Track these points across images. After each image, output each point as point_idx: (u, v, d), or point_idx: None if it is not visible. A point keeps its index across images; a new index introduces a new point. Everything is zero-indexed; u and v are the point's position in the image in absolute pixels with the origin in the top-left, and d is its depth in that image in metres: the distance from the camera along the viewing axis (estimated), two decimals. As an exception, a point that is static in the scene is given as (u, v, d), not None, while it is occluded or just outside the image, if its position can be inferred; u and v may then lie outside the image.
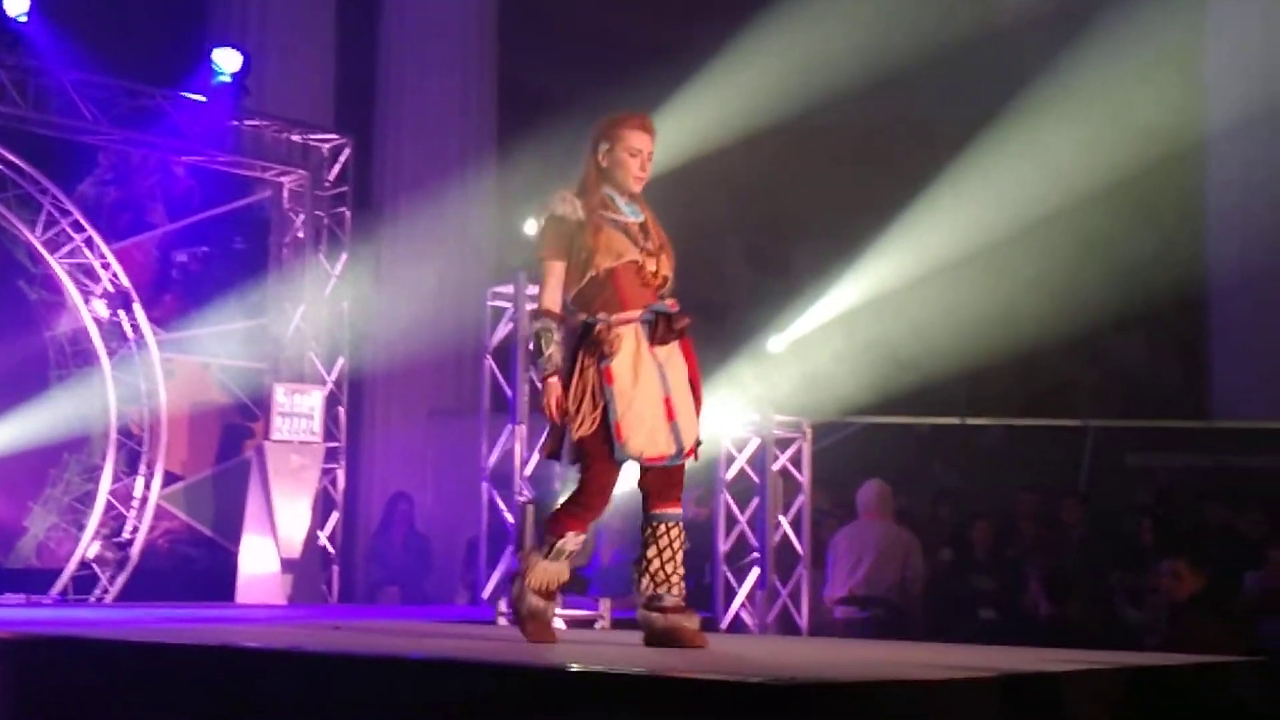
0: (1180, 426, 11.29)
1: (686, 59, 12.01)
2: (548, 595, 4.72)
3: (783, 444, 8.29)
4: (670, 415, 4.47)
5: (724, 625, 8.00)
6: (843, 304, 10.25)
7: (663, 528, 4.58)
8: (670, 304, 4.55)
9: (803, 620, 8.24)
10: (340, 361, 9.93)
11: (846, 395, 9.87)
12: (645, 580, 4.59)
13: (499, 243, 12.05)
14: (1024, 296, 12.15)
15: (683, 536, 4.64)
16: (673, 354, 4.55)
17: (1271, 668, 4.49)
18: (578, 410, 4.40)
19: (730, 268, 13.67)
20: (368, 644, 4.73)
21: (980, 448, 10.96)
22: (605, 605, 7.13)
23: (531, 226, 11.37)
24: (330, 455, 9.58)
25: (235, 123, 9.76)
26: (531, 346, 4.53)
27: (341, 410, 9.90)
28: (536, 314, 4.52)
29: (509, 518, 8.22)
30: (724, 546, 8.23)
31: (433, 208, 11.45)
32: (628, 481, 7.97)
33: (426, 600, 9.72)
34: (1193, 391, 12.44)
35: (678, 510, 4.59)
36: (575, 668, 3.56)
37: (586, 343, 4.44)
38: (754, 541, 8.14)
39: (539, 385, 4.53)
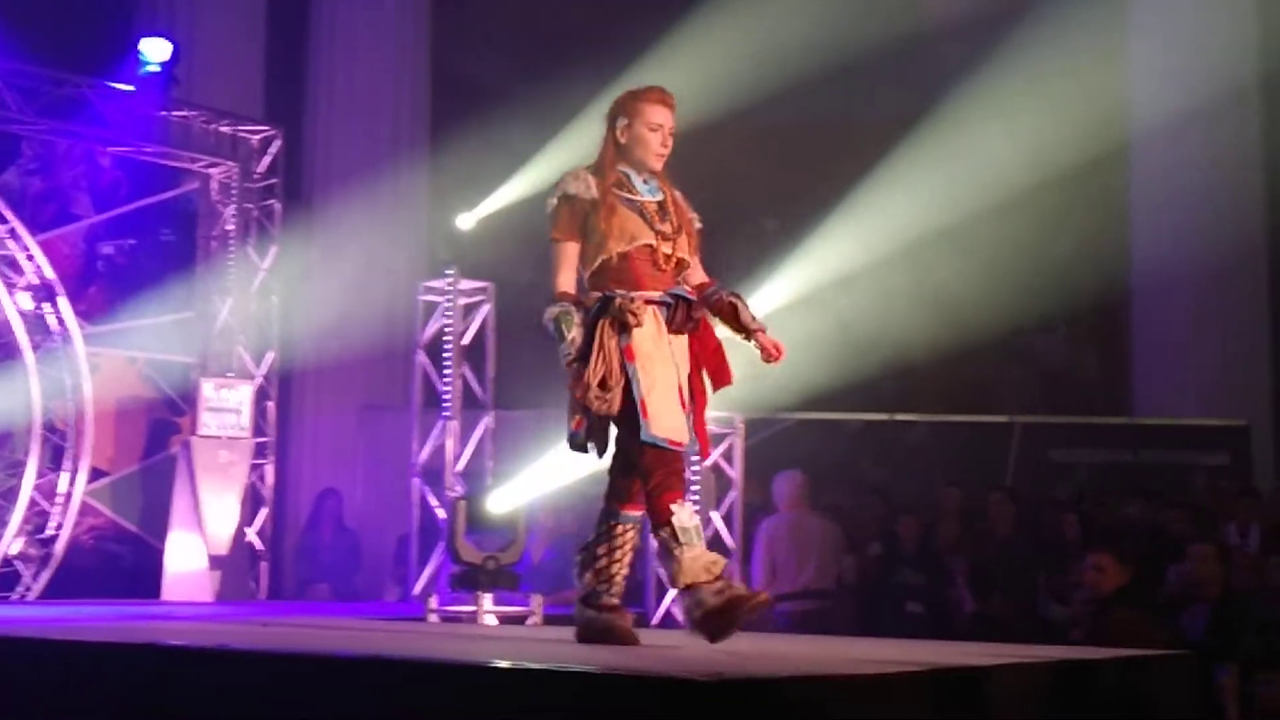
0: (1103, 423, 11.48)
1: (621, 52, 12.01)
2: (717, 578, 4.24)
3: (715, 440, 8.33)
4: (684, 405, 4.30)
5: (655, 621, 8.02)
6: (773, 302, 10.30)
7: (620, 528, 4.45)
8: (689, 290, 4.36)
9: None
10: (269, 355, 9.85)
11: (778, 392, 9.94)
12: (589, 575, 4.48)
13: (431, 237, 12.00)
14: (951, 294, 12.28)
15: (637, 540, 4.51)
16: (682, 346, 4.36)
17: (1192, 661, 4.58)
18: (601, 387, 4.18)
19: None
20: (296, 641, 4.69)
21: (908, 444, 11.07)
22: (537, 601, 7.14)
23: (466, 221, 11.34)
24: (259, 450, 9.50)
25: (163, 113, 9.65)
26: (550, 330, 4.25)
27: (270, 405, 9.81)
28: (552, 298, 4.28)
29: (440, 514, 8.20)
30: (656, 542, 8.24)
31: (364, 201, 11.38)
32: (561, 478, 8.00)
33: (356, 597, 9.67)
34: (1115, 388, 12.64)
35: (639, 513, 4.41)
36: (504, 664, 3.56)
37: (607, 315, 4.22)
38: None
39: (565, 369, 4.25)
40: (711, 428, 8.27)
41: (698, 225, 4.53)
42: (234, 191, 9.90)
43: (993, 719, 3.55)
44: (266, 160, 10.04)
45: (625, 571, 4.46)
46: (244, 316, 9.81)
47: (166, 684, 3.89)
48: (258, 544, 9.49)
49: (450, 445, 8.32)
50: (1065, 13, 11.53)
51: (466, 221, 11.55)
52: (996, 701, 3.57)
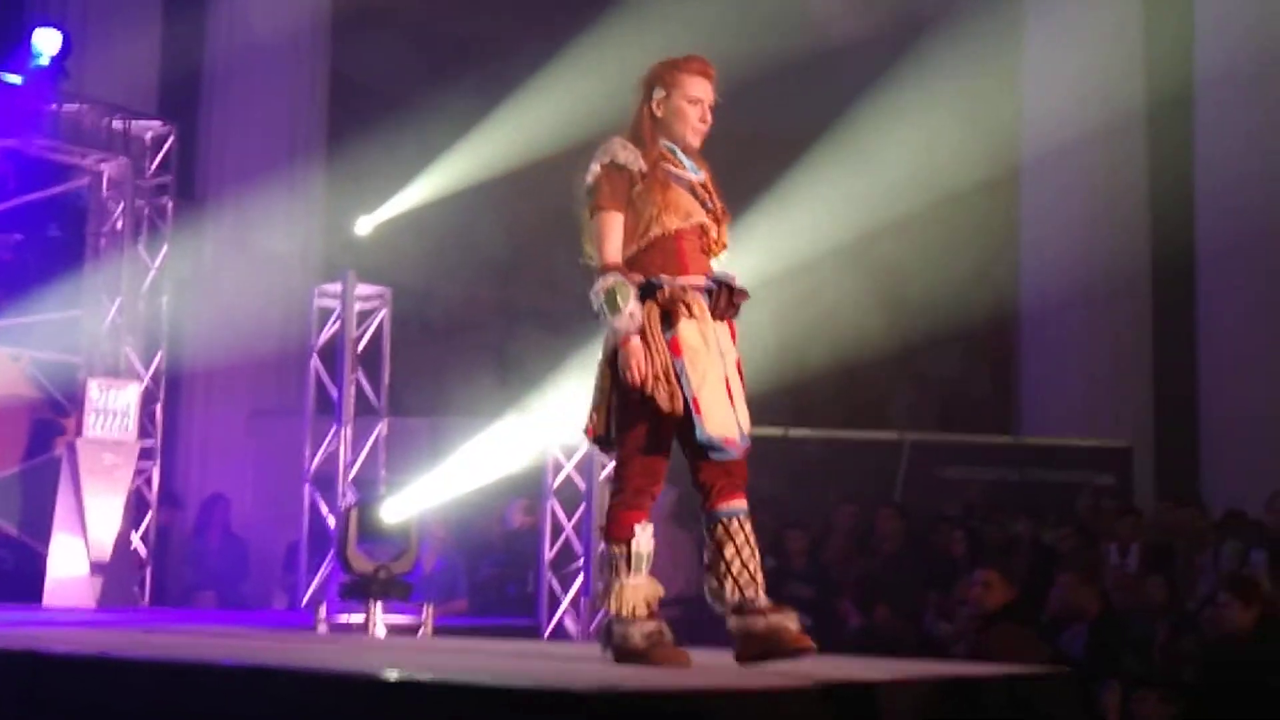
0: (990, 442, 11.68)
1: (521, 62, 12.01)
2: (650, 615, 4.03)
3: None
4: (732, 401, 4.04)
5: (547, 633, 8.01)
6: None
7: (735, 523, 4.02)
8: (731, 276, 4.13)
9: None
10: (158, 357, 9.66)
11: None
12: (729, 585, 3.97)
13: (328, 240, 11.88)
14: (845, 311, 12.44)
15: (754, 530, 4.09)
16: (724, 332, 4.12)
17: (1073, 678, 4.68)
18: (654, 381, 3.88)
19: (564, 276, 13.69)
20: (180, 649, 4.62)
21: (801, 458, 11.18)
22: (428, 612, 7.08)
23: (363, 226, 11.25)
24: (145, 454, 9.31)
25: (53, 106, 9.43)
26: (600, 305, 3.95)
27: (158, 408, 9.62)
28: (601, 268, 3.99)
29: (331, 521, 8.10)
30: (549, 554, 8.24)
31: (259, 202, 11.24)
32: (452, 489, 7.95)
33: (243, 605, 9.52)
34: (1003, 407, 12.88)
35: (744, 503, 4.05)
36: (394, 675, 3.53)
37: (653, 303, 3.96)
38: (579, 549, 8.16)
39: (617, 349, 3.90)
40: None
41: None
42: (125, 188, 9.70)
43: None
44: (159, 157, 9.85)
45: (757, 560, 4.04)
46: (133, 316, 9.62)
47: (47, 691, 3.80)
48: (142, 550, 9.30)
49: (343, 452, 8.23)
50: (962, 36, 11.75)
51: (364, 226, 11.46)
52: (884, 716, 3.61)
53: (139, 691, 3.72)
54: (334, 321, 8.37)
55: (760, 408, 12.28)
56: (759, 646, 3.92)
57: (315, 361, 8.46)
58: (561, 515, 8.27)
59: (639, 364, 3.90)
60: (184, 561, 9.81)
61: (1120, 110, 11.64)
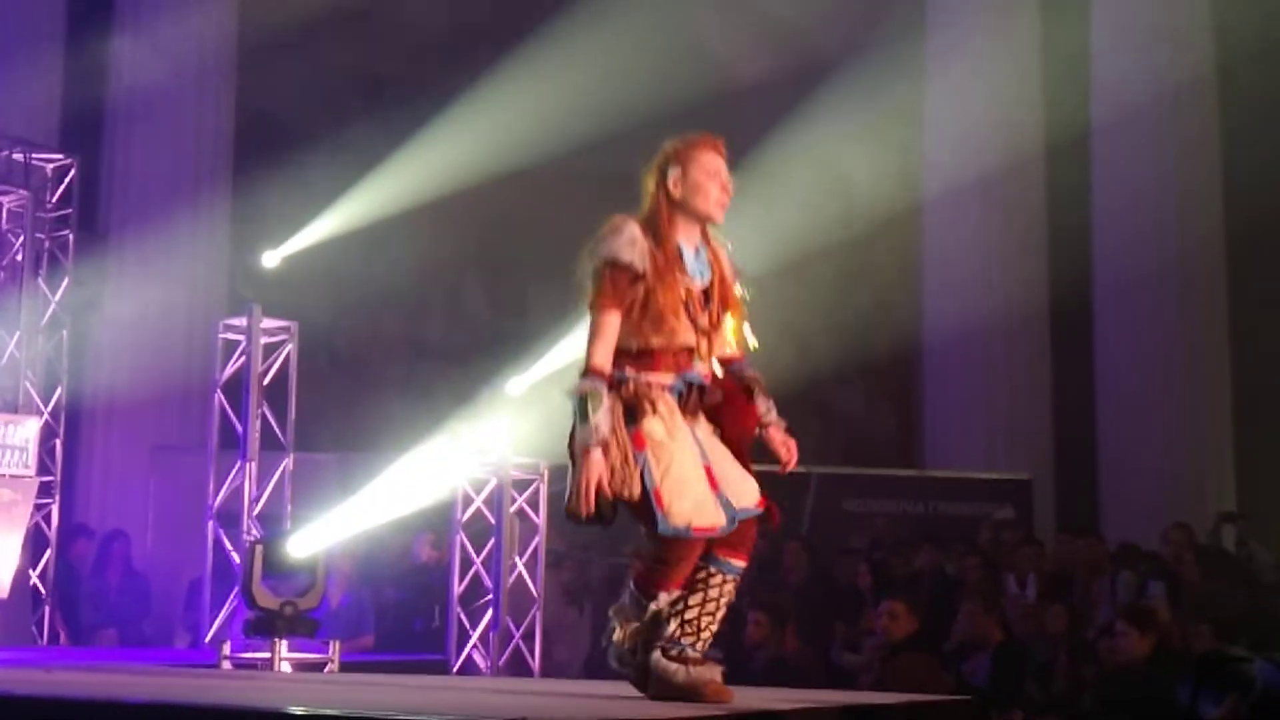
0: (895, 474, 11.84)
1: (429, 98, 12.02)
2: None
3: (520, 485, 8.33)
4: (714, 485, 3.93)
5: (456, 668, 7.96)
6: (581, 348, 10.41)
7: (719, 576, 3.99)
8: (704, 375, 4.00)
9: (535, 662, 8.28)
10: (58, 391, 9.49)
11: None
12: (673, 624, 3.97)
13: (233, 274, 11.77)
14: (751, 347, 12.51)
15: (733, 594, 4.07)
16: (703, 420, 4.04)
17: (975, 705, 4.76)
18: (616, 474, 3.80)
19: (469, 309, 13.69)
20: (82, 687, 4.54)
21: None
22: (335, 648, 7.02)
23: (270, 259, 11.16)
24: (44, 490, 9.13)
25: (-48, 138, 9.28)
26: (574, 405, 3.84)
27: (58, 443, 9.45)
28: (584, 370, 3.87)
29: (235, 558, 8.01)
30: (458, 588, 8.21)
31: (163, 235, 11.11)
32: (358, 525, 7.90)
33: (145, 643, 9.35)
34: (907, 441, 13.06)
35: (742, 563, 4.02)
36: (299, 710, 3.51)
37: (614, 398, 3.86)
38: (489, 583, 8.14)
39: (574, 455, 3.82)
40: (516, 473, 8.31)
41: (740, 290, 4.16)
42: (25, 221, 9.54)
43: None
44: (60, 190, 9.72)
45: (715, 628, 4.03)
46: (32, 350, 9.45)
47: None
48: (40, 588, 9.11)
49: (248, 487, 8.14)
50: (864, 77, 11.96)
51: (270, 259, 11.38)
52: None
53: (40, 730, 3.66)
54: (239, 356, 8.29)
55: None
56: (677, 692, 3.92)
57: (219, 396, 8.37)
58: (470, 549, 8.25)
59: (593, 480, 3.80)
60: (83, 600, 9.61)
61: (1020, 148, 11.91)
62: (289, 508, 8.29)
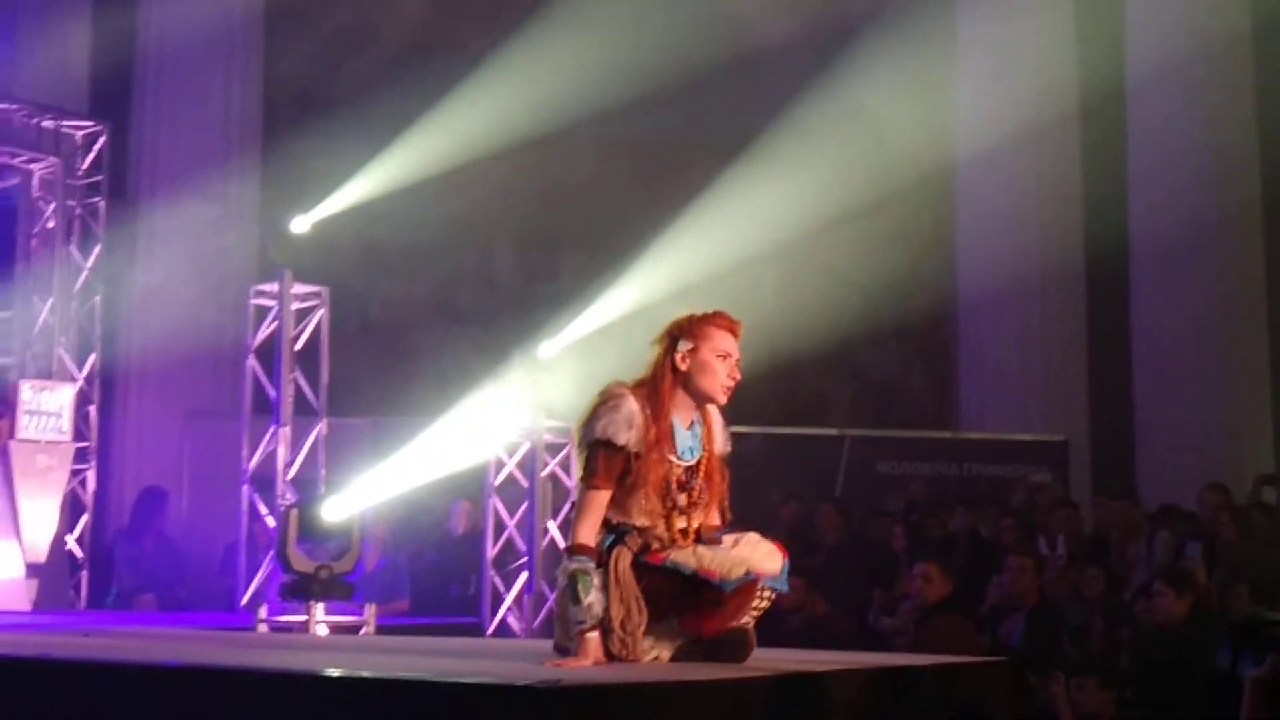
0: (929, 437, 11.79)
1: (459, 62, 11.98)
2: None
3: (552, 449, 8.33)
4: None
5: (490, 630, 7.99)
6: (613, 312, 10.36)
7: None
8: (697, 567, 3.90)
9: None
10: (92, 358, 9.54)
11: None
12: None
13: (263, 239, 11.78)
14: (785, 310, 12.49)
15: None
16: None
17: (1011, 667, 4.73)
18: (622, 628, 3.79)
19: (501, 274, 13.68)
20: (120, 650, 4.57)
21: (742, 455, 11.20)
22: (370, 611, 7.04)
23: (301, 225, 11.15)
24: (80, 455, 9.20)
25: (-18, 106, 9.30)
26: (563, 584, 3.85)
27: (92, 409, 9.51)
28: (570, 549, 3.85)
29: (270, 522, 8.04)
30: (491, 551, 8.23)
31: (193, 201, 11.12)
32: (392, 489, 7.92)
33: (181, 607, 9.42)
34: (941, 403, 13.00)
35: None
36: (335, 673, 3.51)
37: (620, 545, 3.87)
38: (522, 546, 8.15)
39: (571, 642, 3.80)
40: (549, 437, 8.31)
41: (725, 469, 4.09)
42: (56, 188, 9.58)
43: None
44: (90, 157, 9.74)
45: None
46: (65, 317, 9.50)
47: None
48: (78, 552, 9.19)
49: (281, 452, 8.17)
50: (896, 37, 11.85)
51: (301, 225, 11.38)
52: (831, 705, 3.64)
53: (80, 693, 3.68)
54: (271, 321, 8.30)
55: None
56: None
57: (252, 361, 8.39)
58: (504, 513, 8.26)
59: (588, 663, 3.77)
60: (122, 564, 9.68)
61: (1054, 109, 11.79)
62: (323, 472, 8.32)
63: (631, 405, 3.90)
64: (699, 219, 11.80)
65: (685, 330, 4.00)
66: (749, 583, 3.86)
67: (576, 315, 10.34)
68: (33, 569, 8.38)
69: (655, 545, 3.92)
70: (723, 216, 11.83)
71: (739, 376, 4.01)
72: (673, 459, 3.95)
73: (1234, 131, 11.27)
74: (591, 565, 3.83)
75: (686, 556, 3.88)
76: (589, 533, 3.86)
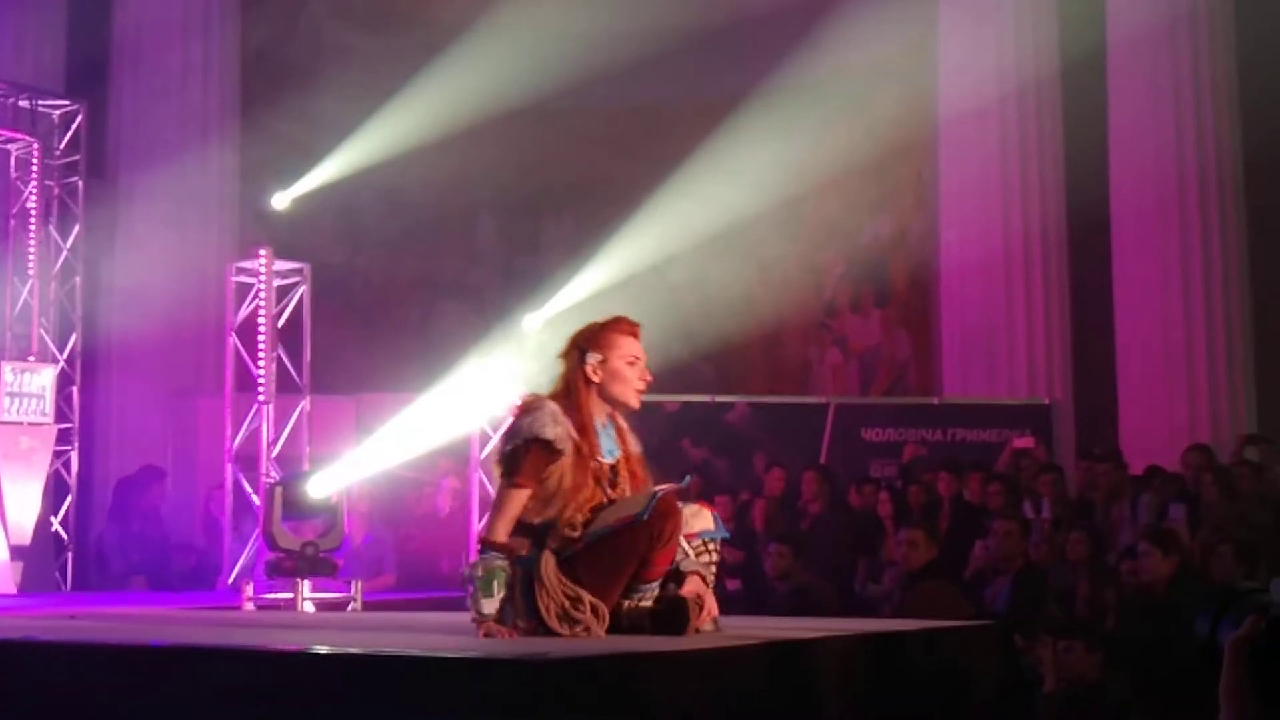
0: (913, 403, 11.81)
1: (438, 33, 11.91)
2: None
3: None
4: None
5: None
6: (596, 283, 10.36)
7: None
8: None
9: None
10: (73, 338, 9.51)
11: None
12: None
13: (243, 216, 11.73)
14: (768, 277, 12.50)
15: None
16: None
17: (997, 631, 4.76)
18: (567, 620, 3.84)
19: (484, 246, 13.64)
20: (107, 632, 4.56)
21: (728, 424, 11.23)
22: (356, 587, 7.04)
23: (280, 201, 11.11)
24: (63, 437, 9.17)
25: (-43, 86, 9.22)
26: (476, 579, 3.85)
27: (74, 390, 9.47)
28: (485, 545, 3.91)
29: (255, 500, 8.03)
30: (477, 525, 8.22)
31: (172, 179, 11.07)
32: (377, 465, 7.91)
33: (169, 587, 9.41)
34: (924, 369, 13.02)
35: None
36: (323, 650, 3.52)
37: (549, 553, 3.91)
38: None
39: (473, 620, 3.86)
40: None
41: (640, 461, 4.18)
42: (34, 168, 9.52)
43: (822, 688, 3.64)
44: (68, 136, 9.67)
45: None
46: (45, 298, 9.46)
47: (-32, 679, 3.74)
48: (63, 534, 9.17)
49: (265, 430, 8.15)
50: (878, 7, 11.80)
51: (281, 201, 11.33)
52: (821, 671, 3.66)
53: (67, 674, 3.67)
54: (252, 298, 8.27)
55: (687, 374, 12.42)
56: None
57: (234, 339, 8.36)
58: (489, 486, 8.25)
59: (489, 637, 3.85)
60: (110, 549, 9.65)
61: (1036, 73, 11.77)
62: (307, 449, 8.30)
63: (554, 407, 4.00)
64: (682, 187, 11.78)
65: (591, 341, 4.11)
66: (661, 502, 3.88)
67: (560, 287, 10.33)
68: (17, 552, 8.36)
69: (576, 534, 3.94)
70: (706, 184, 11.81)
71: (649, 378, 4.12)
72: (599, 459, 4.04)
73: (1215, 91, 11.26)
74: (507, 565, 3.87)
75: (599, 522, 3.92)
76: (505, 530, 3.91)
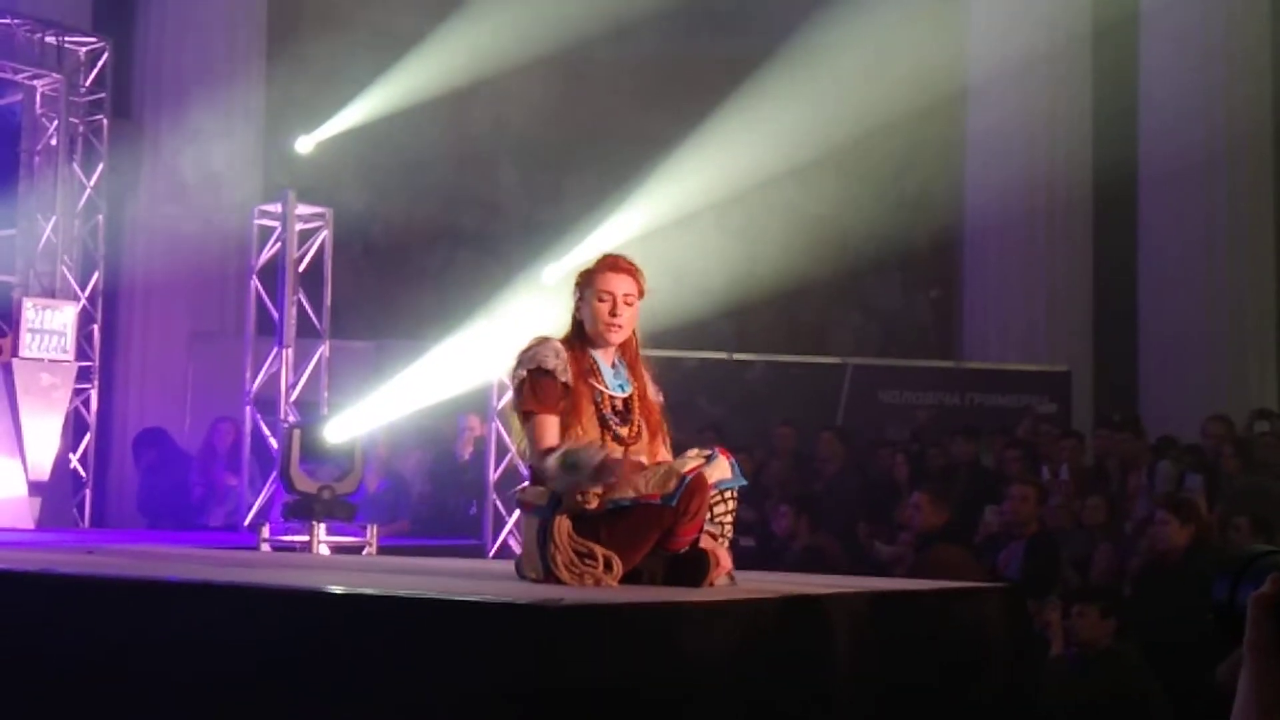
0: (931, 366, 11.78)
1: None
2: None
3: (552, 373, 8.30)
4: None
5: (492, 552, 8.03)
6: (617, 237, 10.32)
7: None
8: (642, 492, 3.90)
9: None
10: (95, 277, 9.52)
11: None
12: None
13: (267, 159, 11.70)
14: (789, 236, 12.43)
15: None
16: None
17: (1009, 592, 4.75)
18: (574, 572, 3.83)
19: (504, 199, 13.60)
20: (123, 567, 4.59)
21: (745, 382, 11.22)
22: (372, 532, 7.07)
23: (304, 145, 11.08)
24: (83, 375, 9.20)
25: (-17, 21, 9.20)
26: (568, 474, 3.81)
27: (95, 328, 9.50)
28: (542, 454, 3.91)
29: (273, 443, 8.06)
30: (494, 475, 8.24)
31: (196, 120, 11.03)
32: (395, 411, 7.92)
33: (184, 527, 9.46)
34: (944, 333, 12.98)
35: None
36: (338, 590, 3.53)
37: (560, 512, 3.87)
38: (524, 470, 8.15)
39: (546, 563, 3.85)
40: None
41: (659, 408, 4.18)
42: (59, 105, 9.51)
43: (836, 644, 3.64)
44: (94, 74, 9.65)
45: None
46: (68, 236, 9.47)
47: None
48: (81, 471, 9.22)
49: (284, 374, 8.16)
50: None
51: (305, 145, 11.30)
52: (833, 627, 3.66)
53: (83, 607, 3.70)
54: (274, 242, 8.26)
55: (705, 332, 12.37)
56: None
57: (255, 282, 8.36)
58: (506, 437, 8.26)
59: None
60: (138, 497, 9.70)
61: (1066, 32, 11.65)
62: (325, 394, 8.32)
63: (555, 343, 4.05)
64: (705, 142, 11.70)
65: (579, 282, 4.16)
66: (692, 483, 3.86)
67: (580, 239, 10.29)
68: (35, 487, 8.41)
69: (593, 505, 3.88)
70: (730, 140, 11.73)
71: (619, 314, 4.07)
72: (603, 389, 4.05)
73: (1246, 54, 11.15)
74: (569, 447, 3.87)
75: (622, 490, 3.88)
76: (549, 455, 3.88)
